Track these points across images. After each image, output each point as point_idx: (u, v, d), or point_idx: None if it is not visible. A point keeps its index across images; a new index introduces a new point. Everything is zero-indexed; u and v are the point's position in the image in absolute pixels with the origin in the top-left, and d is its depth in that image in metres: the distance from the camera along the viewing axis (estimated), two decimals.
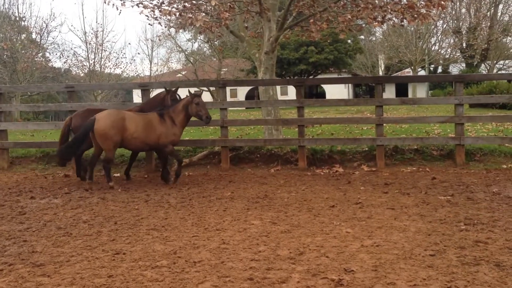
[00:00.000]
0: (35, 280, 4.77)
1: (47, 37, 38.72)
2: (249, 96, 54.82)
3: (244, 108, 41.43)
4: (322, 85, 57.54)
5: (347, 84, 57.42)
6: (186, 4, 12.24)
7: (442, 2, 10.73)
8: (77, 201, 8.49)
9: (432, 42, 41.91)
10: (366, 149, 11.56)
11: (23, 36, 36.77)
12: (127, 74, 46.13)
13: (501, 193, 8.15)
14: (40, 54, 38.53)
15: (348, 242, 5.63)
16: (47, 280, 4.79)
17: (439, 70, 50.37)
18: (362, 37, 55.09)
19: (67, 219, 7.26)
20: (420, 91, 43.61)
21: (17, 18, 37.39)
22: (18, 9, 37.70)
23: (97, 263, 5.19)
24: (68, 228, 6.69)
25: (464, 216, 6.67)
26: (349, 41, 48.67)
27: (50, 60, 42.36)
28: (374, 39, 54.87)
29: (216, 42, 45.07)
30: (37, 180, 10.75)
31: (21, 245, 5.92)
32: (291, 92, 49.82)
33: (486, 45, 39.51)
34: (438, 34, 41.18)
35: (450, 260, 4.95)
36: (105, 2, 11.87)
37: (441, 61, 43.96)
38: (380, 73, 49.64)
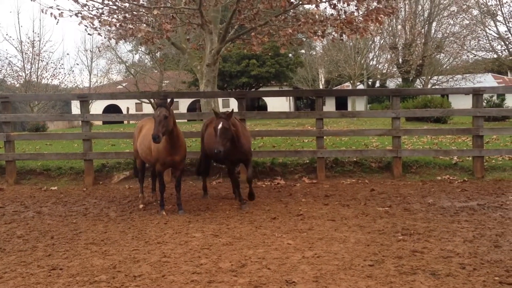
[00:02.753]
0: None
1: None
2: (191, 108, 54.64)
3: (186, 120, 41.16)
4: (264, 98, 58.11)
5: (288, 97, 58.23)
6: (127, 15, 12.08)
7: (379, 18, 11.06)
8: (11, 216, 8.19)
9: (370, 57, 43.17)
10: (307, 161, 11.71)
11: None
12: (65, 85, 45.02)
13: (436, 204, 8.43)
14: None
15: (290, 254, 5.67)
16: None
17: (377, 84, 51.78)
18: (303, 51, 55.97)
19: (0, 234, 6.99)
20: (359, 104, 44.69)
21: None
22: None
23: (32, 279, 5.01)
24: (1, 244, 6.45)
25: (401, 227, 6.85)
26: (290, 55, 49.36)
27: None
28: (314, 53, 55.86)
29: (157, 54, 44.73)
30: None
31: None
32: (233, 105, 49.97)
33: (421, 61, 41.01)
34: (376, 50, 42.46)
35: (388, 269, 5.07)
36: (42, 11, 11.56)
37: (378, 76, 45.21)
38: (321, 87, 50.56)
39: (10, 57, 60.66)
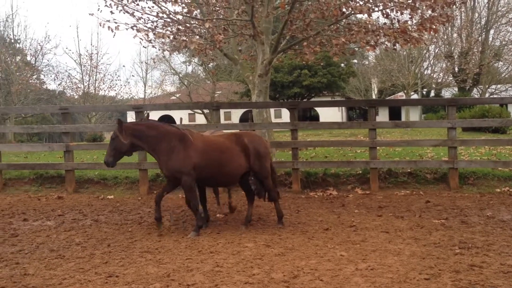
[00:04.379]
0: None
1: (42, 59, 38.81)
2: (243, 118, 54.88)
3: (238, 131, 41.47)
4: (316, 108, 57.73)
5: (340, 108, 57.73)
6: (180, 27, 12.32)
7: (434, 27, 10.86)
8: (70, 223, 8.44)
9: (425, 66, 42.29)
10: (360, 172, 11.57)
11: (18, 58, 36.84)
12: (121, 96, 46.22)
13: (495, 216, 8.16)
14: (35, 76, 38.59)
15: (343, 265, 5.60)
16: None
17: (432, 94, 50.68)
18: (355, 61, 55.50)
19: (60, 241, 7.21)
20: (413, 114, 43.79)
21: (12, 41, 37.47)
22: (13, 31, 37.77)
23: (90, 286, 5.14)
24: (61, 251, 6.64)
25: (458, 240, 6.66)
26: (342, 64, 48.95)
27: (44, 82, 42.45)
28: (367, 63, 55.31)
29: (210, 65, 45.30)
30: (30, 202, 10.67)
31: (13, 267, 5.88)
32: (285, 115, 49.84)
33: (478, 70, 39.85)
34: (431, 59, 41.56)
35: (445, 284, 4.93)
36: (100, 25, 11.94)
37: (433, 85, 44.22)
38: (374, 97, 49.95)
39: (69, 69, 62.77)
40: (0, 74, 33.15)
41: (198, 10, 13.09)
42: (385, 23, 11.60)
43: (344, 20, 12.48)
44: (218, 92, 50.15)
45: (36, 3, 74.96)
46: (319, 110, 57.16)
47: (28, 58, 38.11)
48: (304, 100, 47.09)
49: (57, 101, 40.93)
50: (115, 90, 43.34)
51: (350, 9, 11.09)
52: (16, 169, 12.51)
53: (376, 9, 11.15)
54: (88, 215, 9.15)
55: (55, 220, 8.81)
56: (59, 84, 41.83)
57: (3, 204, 10.45)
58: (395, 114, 55.51)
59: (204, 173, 7.57)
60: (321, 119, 54.02)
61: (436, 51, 41.11)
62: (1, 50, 33.43)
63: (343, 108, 58.94)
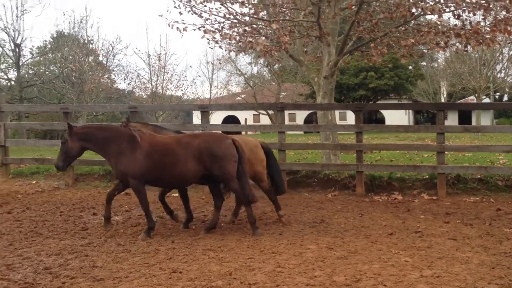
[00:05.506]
0: None
1: (113, 59, 40.04)
2: (308, 120, 54.75)
3: (302, 132, 41.37)
4: (382, 111, 56.81)
5: (407, 111, 56.45)
6: (247, 28, 12.43)
7: (509, 28, 10.44)
8: (137, 219, 8.67)
9: (498, 69, 40.76)
10: (427, 177, 11.27)
11: (91, 58, 38.15)
12: (187, 96, 46.91)
13: None
14: (106, 76, 39.85)
15: (407, 271, 5.48)
16: None
17: (505, 98, 48.79)
18: (424, 63, 54.24)
19: (127, 236, 7.43)
20: (484, 119, 42.27)
21: (85, 41, 38.89)
22: (86, 32, 39.19)
23: (154, 280, 5.26)
24: (128, 245, 6.84)
25: None
26: (410, 67, 47.95)
27: (115, 81, 43.70)
28: (436, 65, 53.92)
29: (275, 66, 45.45)
30: (100, 197, 11.02)
31: (83, 259, 6.11)
32: (350, 118, 49.37)
33: None
34: (504, 61, 40.00)
35: None
36: (168, 26, 12.22)
37: (507, 89, 42.59)
38: (442, 100, 48.55)
39: (138, 69, 64.41)
40: (74, 73, 34.45)
41: (265, 11, 13.14)
42: (455, 25, 11.27)
43: (413, 21, 12.20)
44: (283, 93, 50.25)
45: (109, 4, 77.82)
46: (385, 113, 56.22)
47: (100, 58, 39.40)
48: (370, 102, 46.45)
49: (127, 100, 42.03)
50: (181, 90, 43.98)
51: (420, 9, 10.82)
52: (87, 165, 12.97)
53: (448, 9, 10.85)
54: (154, 212, 9.35)
55: (123, 215, 9.08)
56: (128, 84, 42.88)
57: (75, 199, 10.87)
58: (465, 119, 53.79)
59: (150, 176, 7.49)
60: (387, 122, 53.04)
61: (510, 54, 39.54)
62: (75, 50, 34.73)
63: (410, 111, 57.63)
